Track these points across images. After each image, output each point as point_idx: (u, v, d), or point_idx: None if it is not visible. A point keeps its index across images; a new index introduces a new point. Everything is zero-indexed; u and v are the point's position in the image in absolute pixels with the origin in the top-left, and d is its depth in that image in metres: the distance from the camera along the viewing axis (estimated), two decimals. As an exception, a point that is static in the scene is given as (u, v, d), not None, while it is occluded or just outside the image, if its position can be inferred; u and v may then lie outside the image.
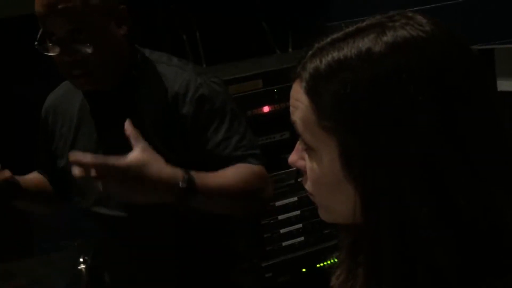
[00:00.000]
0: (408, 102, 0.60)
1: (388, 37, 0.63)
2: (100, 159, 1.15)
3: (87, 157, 1.14)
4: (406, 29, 0.63)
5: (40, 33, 1.30)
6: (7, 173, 1.37)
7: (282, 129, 2.02)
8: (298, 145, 0.72)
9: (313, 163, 0.68)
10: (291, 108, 0.69)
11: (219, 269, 1.53)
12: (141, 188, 1.16)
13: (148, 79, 1.41)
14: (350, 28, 0.67)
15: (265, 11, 2.51)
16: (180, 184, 1.20)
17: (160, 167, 1.19)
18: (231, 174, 1.32)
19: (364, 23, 0.66)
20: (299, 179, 0.74)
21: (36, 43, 1.30)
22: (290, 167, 0.75)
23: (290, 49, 2.47)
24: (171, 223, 1.43)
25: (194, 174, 1.23)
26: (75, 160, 1.14)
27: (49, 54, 1.30)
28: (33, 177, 1.56)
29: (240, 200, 1.34)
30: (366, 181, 0.62)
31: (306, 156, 0.70)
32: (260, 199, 1.40)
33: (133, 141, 1.18)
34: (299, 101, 0.67)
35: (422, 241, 0.61)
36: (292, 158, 0.73)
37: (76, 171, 1.14)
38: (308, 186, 0.71)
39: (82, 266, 1.92)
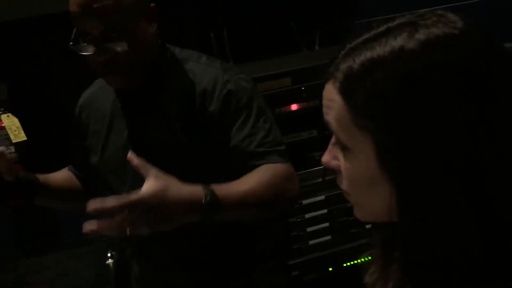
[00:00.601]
0: (441, 98, 0.61)
1: (421, 34, 0.63)
2: (120, 200, 1.10)
3: (107, 202, 1.09)
4: (438, 26, 0.64)
5: (74, 33, 1.32)
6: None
7: (310, 127, 2.01)
8: (331, 145, 0.72)
9: (349, 162, 0.68)
10: (324, 109, 0.70)
11: (245, 266, 1.54)
12: (166, 214, 1.13)
13: (177, 77, 1.42)
14: (381, 28, 0.67)
15: (293, 9, 2.51)
16: (203, 200, 1.17)
17: (178, 188, 1.16)
18: (254, 180, 1.30)
19: (395, 22, 0.66)
20: (327, 178, 0.74)
21: (70, 43, 1.31)
22: (317, 165, 0.75)
23: (317, 47, 2.46)
24: None
25: (215, 187, 1.21)
26: (96, 209, 1.08)
27: (83, 54, 1.31)
28: (58, 175, 1.59)
29: (265, 205, 1.32)
30: (402, 177, 0.63)
31: (341, 156, 0.70)
32: (285, 199, 1.37)
33: (142, 171, 1.14)
34: (333, 101, 0.68)
35: (458, 236, 0.61)
36: (326, 158, 0.73)
37: (96, 226, 1.07)
38: (344, 185, 0.71)
39: (110, 260, 1.94)
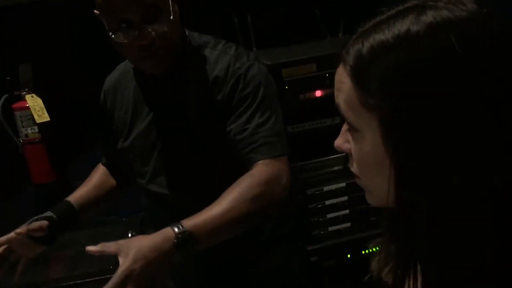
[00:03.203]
0: (446, 79, 0.61)
1: (428, 16, 0.64)
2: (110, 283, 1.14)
3: None
4: (448, 7, 0.64)
5: (110, 22, 1.32)
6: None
7: (333, 114, 2.00)
8: (344, 129, 0.73)
9: (357, 143, 0.70)
10: (335, 92, 0.71)
11: (262, 249, 1.55)
12: (152, 269, 1.16)
13: (195, 63, 1.43)
14: (392, 11, 0.68)
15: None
16: (174, 231, 1.19)
17: (145, 237, 1.20)
18: (230, 198, 1.28)
19: (405, 5, 0.67)
20: (348, 165, 0.75)
21: (110, 33, 1.31)
22: (340, 152, 0.76)
23: (340, 34, 2.44)
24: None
25: (185, 222, 1.22)
26: None
27: (124, 41, 1.31)
28: (90, 187, 1.61)
29: (249, 217, 1.30)
30: (402, 154, 0.64)
31: (351, 138, 0.71)
32: (271, 203, 1.34)
33: (106, 251, 1.18)
34: (342, 83, 0.69)
35: (456, 215, 0.61)
36: (338, 141, 0.74)
37: None
38: (354, 168, 0.73)
39: (131, 241, 1.96)
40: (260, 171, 1.33)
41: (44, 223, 1.44)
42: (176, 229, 1.19)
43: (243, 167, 1.35)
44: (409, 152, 0.63)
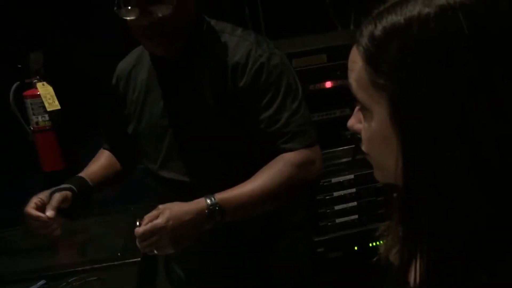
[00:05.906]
0: (451, 59, 0.63)
1: (439, 0, 0.65)
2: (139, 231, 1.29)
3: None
4: None
5: None
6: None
7: (343, 105, 2.00)
8: (356, 109, 0.75)
9: (367, 121, 0.72)
10: (348, 71, 0.73)
11: (270, 237, 1.56)
12: (181, 227, 1.28)
13: (211, 48, 1.43)
14: None
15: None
16: (207, 202, 1.30)
17: (182, 203, 1.31)
18: (264, 177, 1.35)
19: None
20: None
21: (115, 8, 1.33)
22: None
23: (352, 26, 2.43)
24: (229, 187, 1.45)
25: (218, 195, 1.32)
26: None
27: (127, 18, 1.33)
28: (100, 166, 1.63)
29: (280, 197, 1.38)
30: (407, 132, 0.66)
31: (362, 118, 0.73)
32: (303, 186, 1.41)
33: (151, 219, 1.29)
34: (355, 62, 0.71)
35: (456, 193, 0.63)
36: (351, 121, 0.76)
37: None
38: (364, 146, 0.75)
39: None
40: (293, 155, 1.38)
41: (68, 193, 1.44)
42: (208, 201, 1.31)
43: (267, 155, 1.39)
44: (415, 130, 0.64)
